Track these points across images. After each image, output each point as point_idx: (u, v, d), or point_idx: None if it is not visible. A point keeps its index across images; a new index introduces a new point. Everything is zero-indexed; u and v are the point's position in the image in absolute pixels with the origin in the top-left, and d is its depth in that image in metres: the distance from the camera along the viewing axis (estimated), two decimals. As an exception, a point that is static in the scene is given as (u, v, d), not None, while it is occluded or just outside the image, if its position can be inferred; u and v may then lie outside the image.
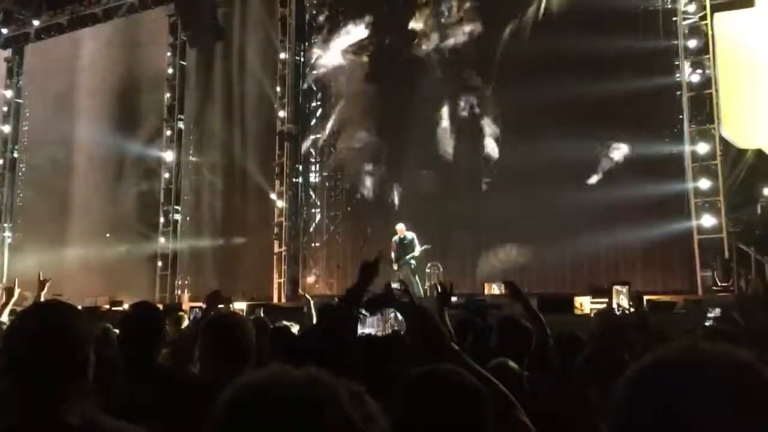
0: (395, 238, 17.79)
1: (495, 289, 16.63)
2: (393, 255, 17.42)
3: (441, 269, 18.11)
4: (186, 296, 21.51)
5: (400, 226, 17.88)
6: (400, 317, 10.23)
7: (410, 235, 17.66)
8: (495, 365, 4.07)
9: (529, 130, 17.41)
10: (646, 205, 16.66)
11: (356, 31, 21.09)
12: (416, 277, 17.54)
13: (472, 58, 19.38)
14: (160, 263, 23.73)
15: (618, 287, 14.49)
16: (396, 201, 20.14)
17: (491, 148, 18.93)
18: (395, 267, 17.33)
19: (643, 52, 16.89)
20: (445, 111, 19.60)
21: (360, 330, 9.81)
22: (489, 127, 18.99)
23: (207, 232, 23.11)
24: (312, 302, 9.48)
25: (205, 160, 23.51)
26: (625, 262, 17.29)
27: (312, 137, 22.39)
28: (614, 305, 13.97)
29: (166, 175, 24.20)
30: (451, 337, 3.51)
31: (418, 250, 17.59)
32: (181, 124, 24.38)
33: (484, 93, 19.12)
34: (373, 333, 11.05)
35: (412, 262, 17.62)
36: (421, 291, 17.25)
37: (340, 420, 1.35)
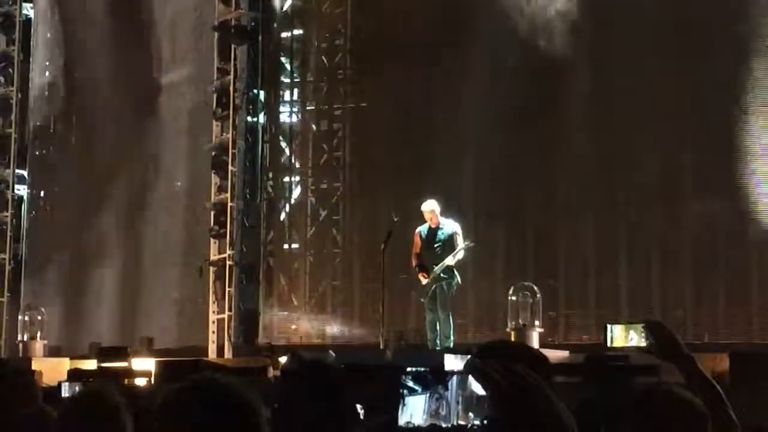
0: (421, 229, 14.33)
1: (631, 337, 14.09)
2: (414, 262, 14.01)
3: (538, 296, 15.50)
4: (39, 346, 16.13)
5: (429, 206, 14.15)
6: (476, 392, 7.18)
7: (449, 225, 14.13)
8: None
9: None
10: None
11: None
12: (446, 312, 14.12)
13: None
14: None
15: None
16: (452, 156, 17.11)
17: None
18: (423, 281, 13.76)
19: None
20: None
21: (408, 417, 7.65)
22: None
23: (78, 219, 18.72)
24: (287, 358, 8.04)
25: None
26: None
27: (285, 35, 18.41)
28: None
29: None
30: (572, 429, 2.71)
31: (461, 253, 13.91)
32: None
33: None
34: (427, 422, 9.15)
35: (449, 278, 13.88)
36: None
37: None
